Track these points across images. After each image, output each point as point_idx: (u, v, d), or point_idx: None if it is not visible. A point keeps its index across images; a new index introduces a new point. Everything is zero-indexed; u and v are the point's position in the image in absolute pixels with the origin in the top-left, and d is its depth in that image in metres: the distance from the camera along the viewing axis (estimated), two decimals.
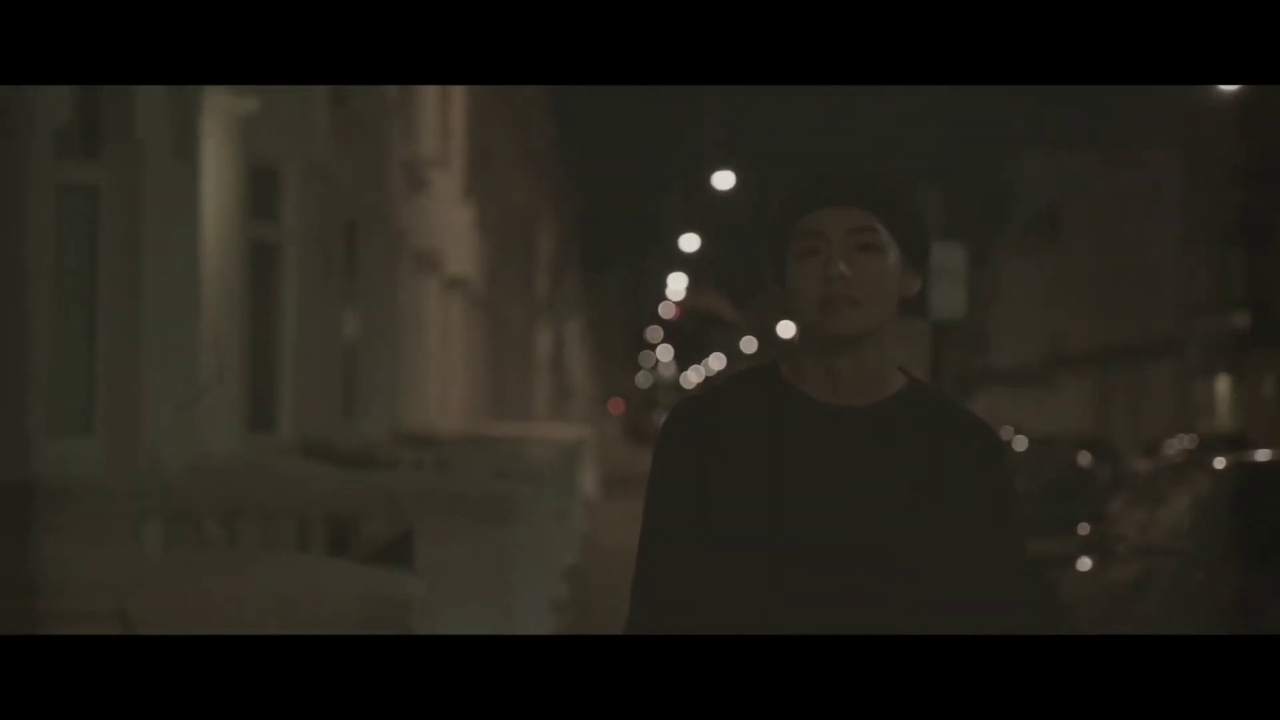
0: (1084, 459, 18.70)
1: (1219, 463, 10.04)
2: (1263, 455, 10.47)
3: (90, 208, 10.64)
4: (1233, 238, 55.38)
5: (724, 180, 47.12)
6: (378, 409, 19.43)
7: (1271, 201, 52.56)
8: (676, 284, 78.41)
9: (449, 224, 25.45)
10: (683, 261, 71.60)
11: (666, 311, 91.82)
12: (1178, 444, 44.26)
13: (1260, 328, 53.99)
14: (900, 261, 2.72)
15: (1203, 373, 59.65)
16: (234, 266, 13.38)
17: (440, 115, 25.23)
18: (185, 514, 8.89)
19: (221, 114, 13.09)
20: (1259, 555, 9.02)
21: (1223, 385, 58.40)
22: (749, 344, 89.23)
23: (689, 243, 62.56)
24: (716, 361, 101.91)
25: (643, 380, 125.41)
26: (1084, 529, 11.25)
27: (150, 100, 10.81)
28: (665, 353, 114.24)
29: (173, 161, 11.63)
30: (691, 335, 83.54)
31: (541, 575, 13.23)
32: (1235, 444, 43.37)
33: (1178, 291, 61.14)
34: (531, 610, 11.78)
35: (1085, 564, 11.08)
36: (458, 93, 27.26)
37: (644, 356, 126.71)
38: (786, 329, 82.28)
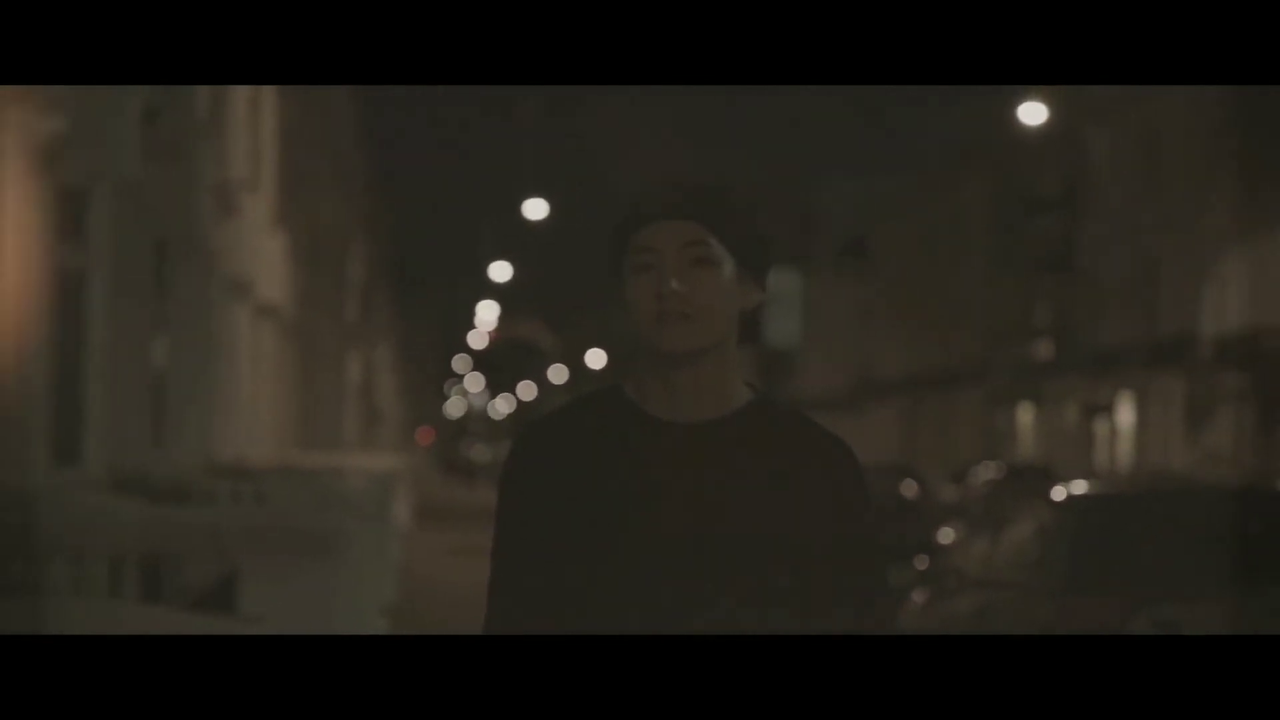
0: (908, 487, 18.64)
1: (1058, 493, 9.93)
2: (1104, 487, 10.38)
3: None
4: (1038, 266, 56.27)
5: (536, 209, 46.86)
6: (188, 438, 18.82)
7: (1074, 230, 53.52)
8: (487, 312, 77.95)
9: (260, 250, 24.86)
10: (493, 290, 71.18)
11: (477, 340, 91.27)
12: (983, 471, 44.83)
13: (1063, 355, 54.90)
14: (737, 275, 2.70)
15: (1007, 400, 60.54)
16: (38, 291, 12.78)
17: (252, 137, 24.64)
18: None
19: (25, 131, 12.51)
20: (1100, 588, 8.90)
21: (1026, 413, 59.30)
22: (559, 373, 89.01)
23: (500, 271, 62.17)
24: (526, 390, 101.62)
25: (452, 409, 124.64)
26: (921, 561, 11.08)
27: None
28: (474, 382, 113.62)
29: None
30: (504, 363, 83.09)
31: (362, 611, 12.79)
32: (1039, 472, 44.01)
33: (983, 319, 62.05)
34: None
35: (921, 596, 10.92)
36: (269, 113, 26.68)
37: (452, 385, 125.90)
38: (596, 358, 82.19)
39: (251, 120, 24.69)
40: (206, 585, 6.84)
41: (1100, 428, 52.19)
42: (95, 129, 13.76)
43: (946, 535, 16.21)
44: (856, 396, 74.39)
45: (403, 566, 21.82)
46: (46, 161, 12.96)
